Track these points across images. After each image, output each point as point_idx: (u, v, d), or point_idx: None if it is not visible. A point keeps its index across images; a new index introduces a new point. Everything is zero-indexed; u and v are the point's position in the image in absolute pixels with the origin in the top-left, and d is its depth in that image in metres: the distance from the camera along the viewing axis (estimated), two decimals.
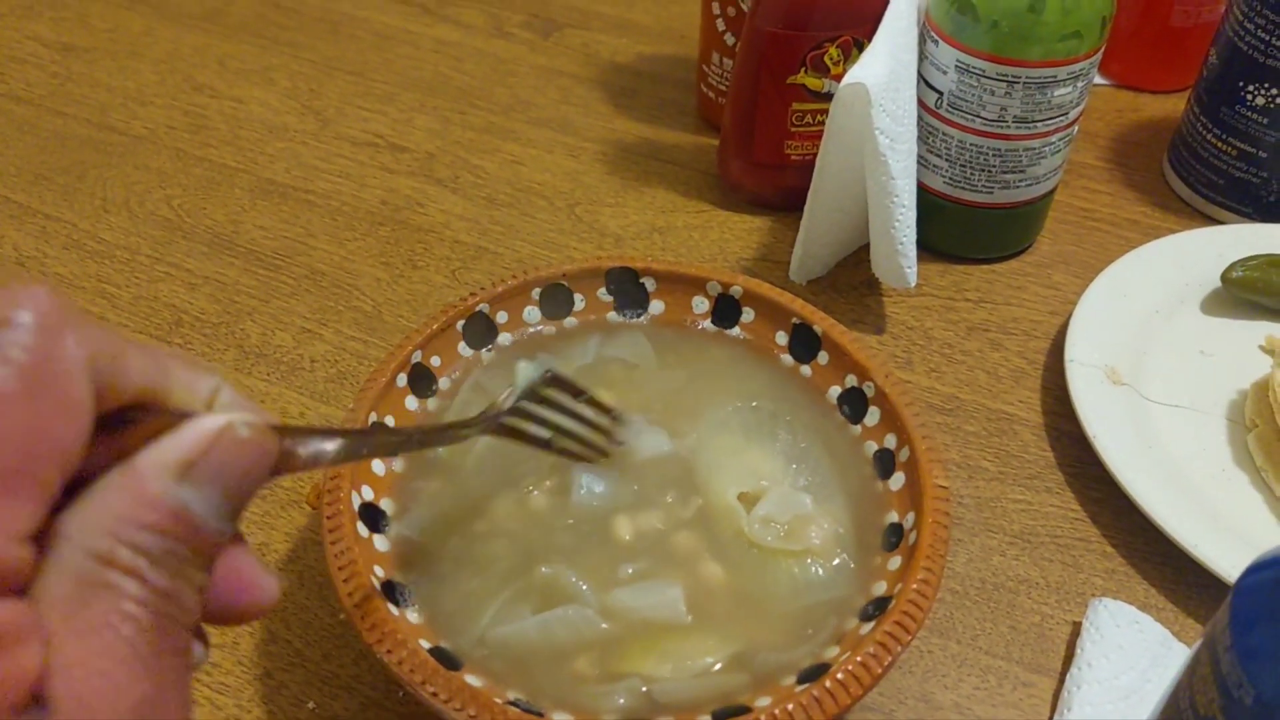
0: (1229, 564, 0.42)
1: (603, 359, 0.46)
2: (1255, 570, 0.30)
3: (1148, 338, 0.54)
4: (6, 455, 0.19)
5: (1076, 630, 0.43)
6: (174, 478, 0.21)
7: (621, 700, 0.35)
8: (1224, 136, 0.60)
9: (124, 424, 0.22)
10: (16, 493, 0.19)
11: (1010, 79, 0.52)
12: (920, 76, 0.55)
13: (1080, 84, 0.53)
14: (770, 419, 0.43)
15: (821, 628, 0.37)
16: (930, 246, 0.59)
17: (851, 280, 0.59)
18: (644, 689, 0.35)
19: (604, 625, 0.37)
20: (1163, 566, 0.45)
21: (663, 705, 0.35)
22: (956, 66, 0.52)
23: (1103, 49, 0.53)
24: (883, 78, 0.49)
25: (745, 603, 0.38)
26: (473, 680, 0.34)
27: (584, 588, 0.38)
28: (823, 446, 0.43)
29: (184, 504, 0.21)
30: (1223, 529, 0.44)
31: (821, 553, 0.39)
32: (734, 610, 0.38)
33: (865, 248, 0.57)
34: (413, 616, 0.36)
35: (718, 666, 0.36)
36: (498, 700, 0.33)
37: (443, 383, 0.44)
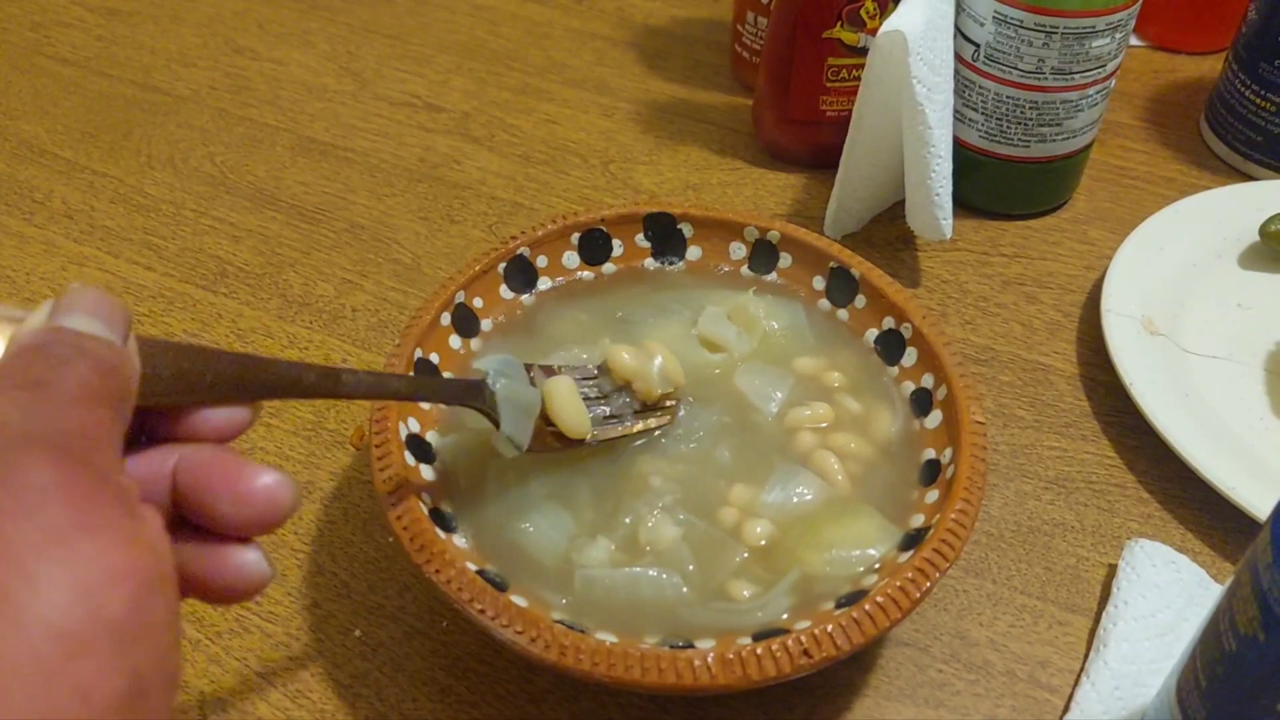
0: (1267, 507, 0.42)
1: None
2: None
3: (1184, 290, 0.53)
4: None
5: (1112, 572, 0.43)
6: (44, 321, 0.25)
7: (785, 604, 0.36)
8: (1263, 92, 0.60)
9: None
10: None
11: (1048, 29, 0.51)
12: (956, 29, 0.55)
13: (1118, 35, 0.53)
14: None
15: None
16: (965, 202, 0.59)
17: (886, 235, 0.59)
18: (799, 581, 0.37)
19: (685, 590, 0.36)
20: (1199, 512, 0.46)
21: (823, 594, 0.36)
22: (994, 17, 0.52)
23: (1141, 0, 0.52)
24: (920, 26, 0.49)
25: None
26: (519, 600, 0.34)
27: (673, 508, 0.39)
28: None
29: (59, 325, 0.24)
30: (1260, 473, 0.44)
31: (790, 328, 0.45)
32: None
33: (899, 203, 0.57)
34: (460, 541, 0.37)
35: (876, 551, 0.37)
36: (544, 618, 0.33)
37: (485, 324, 0.45)
